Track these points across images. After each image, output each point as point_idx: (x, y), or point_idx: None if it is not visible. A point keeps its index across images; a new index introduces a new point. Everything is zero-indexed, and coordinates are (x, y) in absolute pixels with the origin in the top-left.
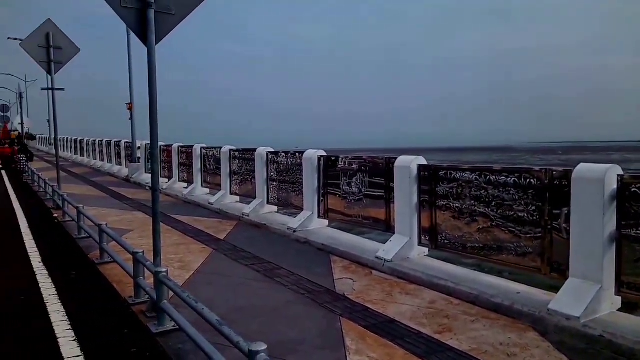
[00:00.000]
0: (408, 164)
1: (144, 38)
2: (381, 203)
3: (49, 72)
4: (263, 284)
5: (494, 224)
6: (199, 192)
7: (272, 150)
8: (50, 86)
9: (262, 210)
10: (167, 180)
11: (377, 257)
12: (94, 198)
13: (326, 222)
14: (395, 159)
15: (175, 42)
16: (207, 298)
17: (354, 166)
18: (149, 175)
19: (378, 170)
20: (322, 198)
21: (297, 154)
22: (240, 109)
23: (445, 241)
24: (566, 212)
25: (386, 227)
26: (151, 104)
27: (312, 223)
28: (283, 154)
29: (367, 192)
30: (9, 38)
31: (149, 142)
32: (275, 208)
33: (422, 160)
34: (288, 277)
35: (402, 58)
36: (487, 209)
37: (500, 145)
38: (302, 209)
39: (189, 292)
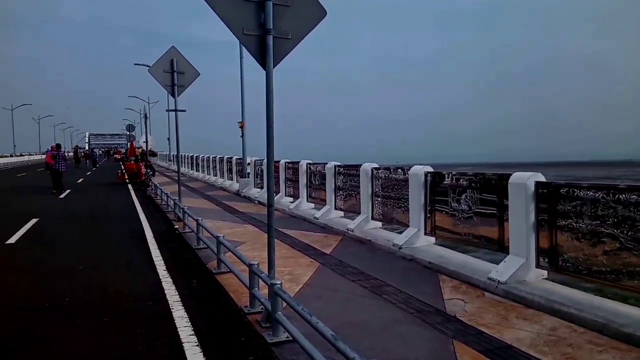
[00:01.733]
0: (524, 181)
1: (263, 63)
2: (493, 221)
3: (172, 95)
4: (371, 301)
5: (623, 246)
6: (305, 206)
7: (376, 166)
8: (174, 108)
9: (367, 225)
10: (274, 195)
11: (489, 279)
12: (209, 211)
13: (433, 239)
14: (509, 175)
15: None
16: (317, 311)
17: (463, 182)
18: (258, 190)
19: (490, 187)
20: (428, 215)
21: (402, 170)
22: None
23: (567, 264)
24: None
25: (498, 247)
26: (268, 125)
27: (418, 240)
28: (388, 170)
29: (478, 210)
30: (135, 64)
31: (259, 159)
32: (379, 224)
33: (540, 177)
34: (396, 294)
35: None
36: (615, 230)
37: (621, 159)
38: (407, 226)
39: (301, 304)
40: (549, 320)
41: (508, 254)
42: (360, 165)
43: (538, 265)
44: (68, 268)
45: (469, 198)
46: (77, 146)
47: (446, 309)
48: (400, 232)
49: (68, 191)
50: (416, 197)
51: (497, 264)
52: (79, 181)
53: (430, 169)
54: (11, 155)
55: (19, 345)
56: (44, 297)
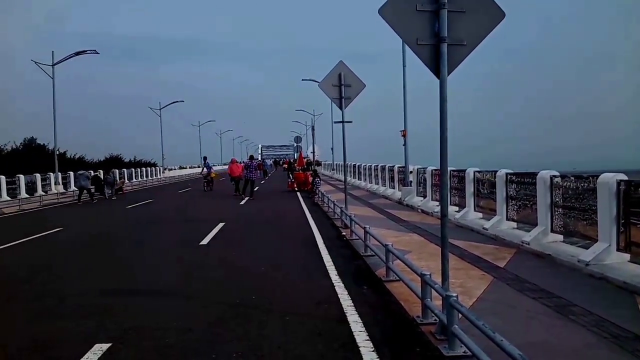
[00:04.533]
0: None
1: (436, 71)
2: None
3: (340, 107)
4: (555, 321)
5: None
6: (472, 216)
7: (556, 173)
8: (341, 120)
9: (545, 238)
10: (438, 203)
11: None
12: (373, 219)
13: (627, 256)
14: None
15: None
16: (494, 328)
17: None
18: (421, 198)
19: None
20: (622, 228)
21: (589, 178)
22: None
23: None
24: None
25: None
26: (442, 134)
27: (609, 257)
28: (571, 178)
29: None
30: (302, 80)
31: (422, 167)
32: (559, 237)
33: None
34: (584, 316)
35: None
36: None
37: None
38: (595, 240)
39: (482, 319)
40: None
41: None
42: (537, 172)
43: None
44: (252, 268)
45: None
46: (251, 156)
47: None
48: (586, 247)
49: (246, 198)
50: (606, 209)
51: None
52: (255, 189)
53: (624, 177)
54: (198, 166)
55: (222, 337)
56: (235, 294)
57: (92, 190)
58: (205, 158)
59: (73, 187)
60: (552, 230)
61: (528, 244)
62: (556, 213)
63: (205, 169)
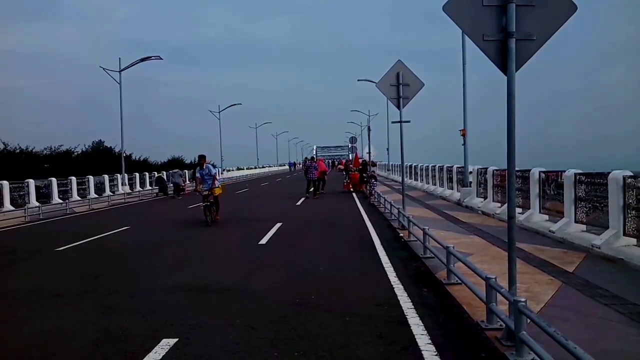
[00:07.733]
0: None
1: (503, 67)
2: None
3: (398, 107)
4: (631, 329)
5: None
6: (537, 218)
7: (630, 173)
8: (398, 120)
9: (617, 242)
10: (499, 205)
11: None
12: (431, 220)
13: None
14: None
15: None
16: (564, 335)
17: None
18: (481, 200)
19: None
20: None
21: None
22: None
23: None
24: None
25: None
26: (509, 132)
27: None
28: None
29: None
30: (358, 80)
31: (482, 167)
32: (633, 240)
33: None
34: None
35: None
36: None
37: None
38: None
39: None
40: None
41: None
42: (608, 173)
43: None
44: (311, 268)
45: None
46: (306, 158)
47: None
48: None
49: (302, 199)
50: None
51: None
52: (311, 189)
53: None
54: (255, 168)
55: (284, 335)
56: (295, 293)
57: (181, 187)
58: (201, 158)
59: (139, 188)
60: (624, 234)
61: (599, 248)
62: (629, 215)
63: (203, 184)
